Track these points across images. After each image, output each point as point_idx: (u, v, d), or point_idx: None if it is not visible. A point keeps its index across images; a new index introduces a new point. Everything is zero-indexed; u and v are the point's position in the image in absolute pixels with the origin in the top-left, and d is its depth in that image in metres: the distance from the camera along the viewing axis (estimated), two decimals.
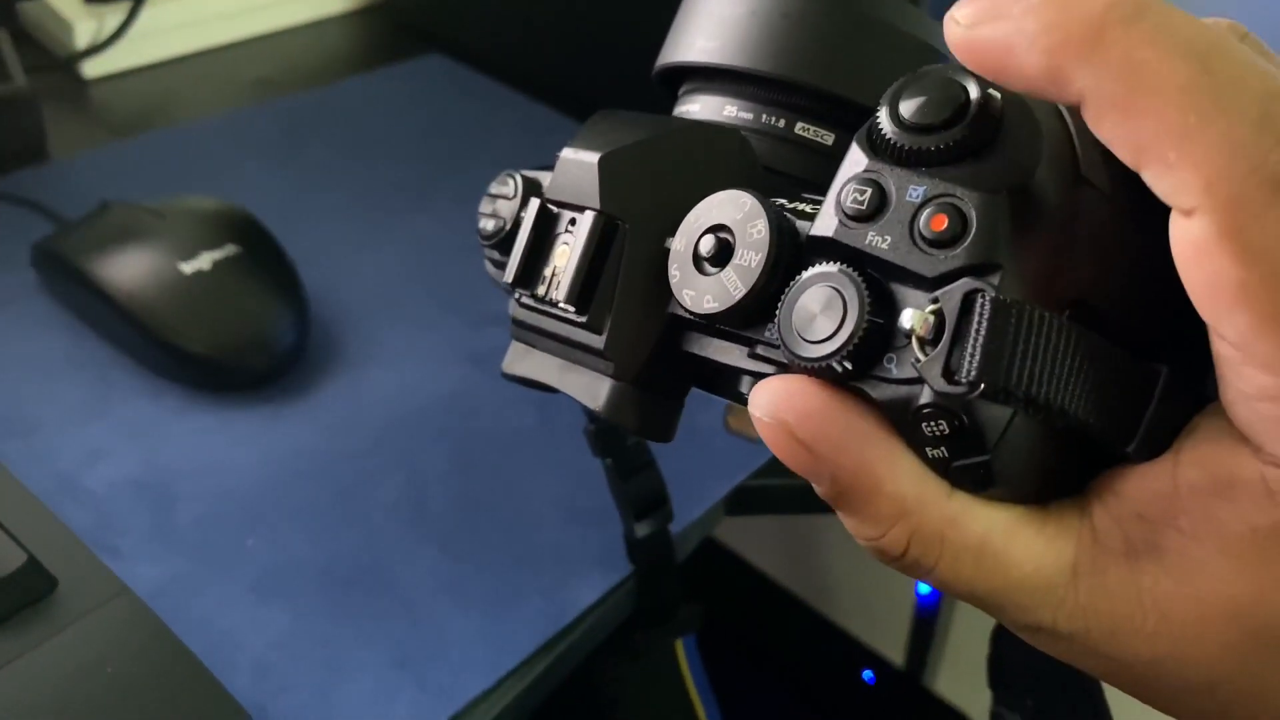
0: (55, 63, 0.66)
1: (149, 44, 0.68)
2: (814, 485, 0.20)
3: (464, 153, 0.64)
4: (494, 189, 0.28)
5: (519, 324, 0.26)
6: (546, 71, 0.70)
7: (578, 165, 0.24)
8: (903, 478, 0.19)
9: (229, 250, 0.45)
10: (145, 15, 0.66)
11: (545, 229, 0.25)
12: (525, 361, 0.26)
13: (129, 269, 0.44)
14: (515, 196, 0.27)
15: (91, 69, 0.66)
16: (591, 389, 0.24)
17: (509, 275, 0.25)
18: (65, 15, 0.65)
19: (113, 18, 0.65)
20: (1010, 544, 0.20)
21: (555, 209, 0.25)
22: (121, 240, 0.46)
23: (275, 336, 0.45)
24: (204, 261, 0.45)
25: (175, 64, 0.70)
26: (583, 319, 0.24)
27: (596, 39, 0.66)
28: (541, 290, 0.24)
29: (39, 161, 0.59)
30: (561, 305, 0.24)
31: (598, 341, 0.24)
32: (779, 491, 0.46)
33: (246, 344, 0.44)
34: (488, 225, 0.28)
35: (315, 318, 0.49)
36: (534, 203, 0.25)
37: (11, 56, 0.59)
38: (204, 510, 0.40)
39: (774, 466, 0.45)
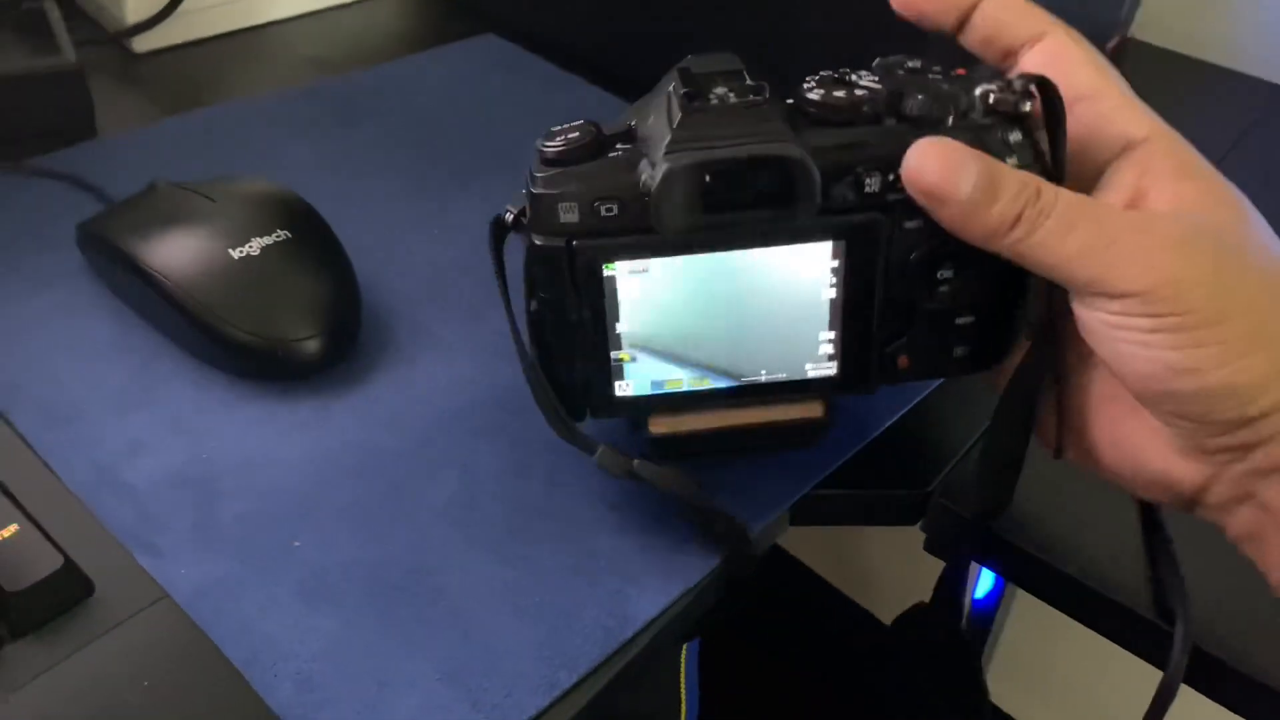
0: (105, 38, 0.65)
1: (200, 19, 0.67)
2: (942, 206, 0.34)
3: (515, 135, 0.61)
4: None
5: None
6: (600, 52, 0.68)
7: None
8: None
9: (279, 236, 0.44)
10: None
11: None
12: None
13: (177, 253, 0.43)
14: None
15: (142, 44, 0.65)
16: None
17: None
18: None
19: None
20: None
21: None
22: (169, 223, 0.44)
23: (326, 325, 0.43)
24: (254, 247, 0.43)
25: (227, 40, 0.68)
26: None
27: (651, 19, 0.64)
28: None
29: (87, 138, 0.58)
30: None
31: None
32: (843, 502, 0.43)
33: (296, 333, 0.42)
34: None
35: (367, 306, 0.47)
36: None
37: (61, 31, 0.58)
38: (249, 507, 0.39)
39: (838, 477, 0.43)
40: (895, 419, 0.45)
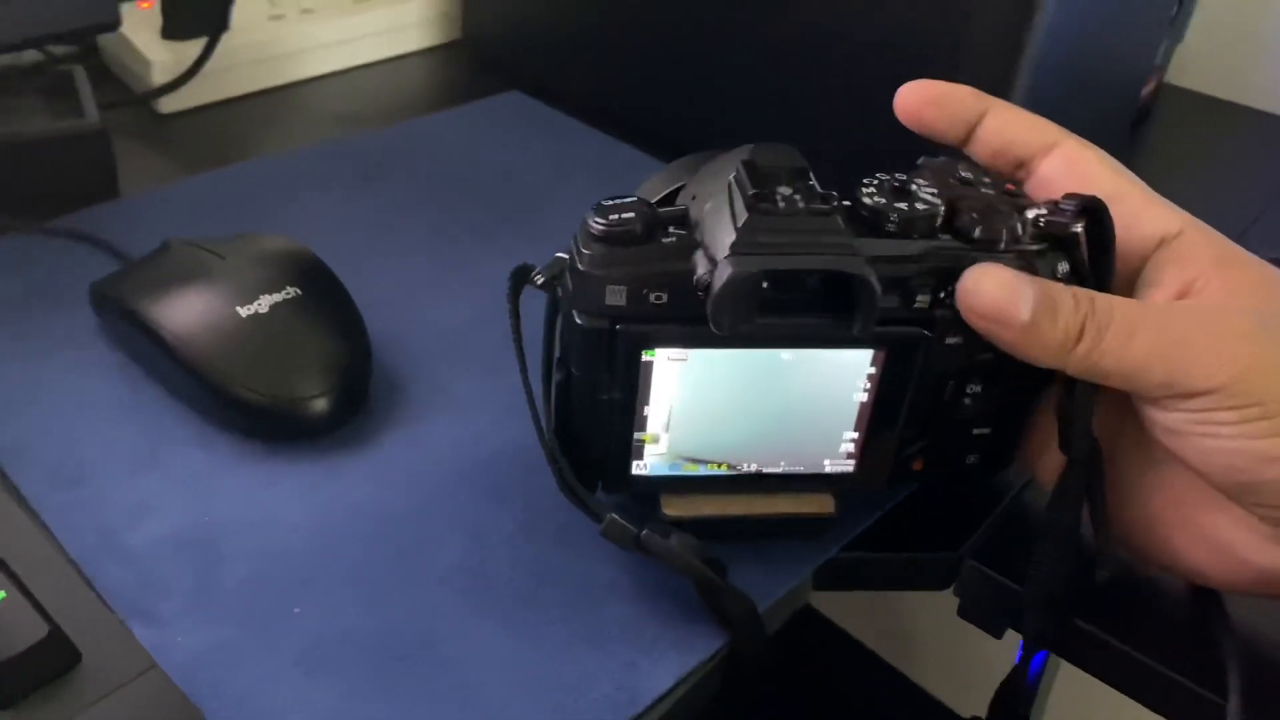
0: (132, 99, 0.65)
1: (226, 80, 0.67)
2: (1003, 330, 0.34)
3: (540, 192, 0.61)
4: None
5: None
6: (629, 109, 0.67)
7: None
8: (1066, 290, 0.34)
9: (289, 293, 0.43)
10: (223, 51, 0.65)
11: None
12: None
13: (183, 312, 0.42)
14: None
15: (168, 105, 0.65)
16: None
17: None
18: (143, 51, 0.64)
19: (190, 53, 0.64)
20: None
21: None
22: (177, 281, 0.43)
23: (334, 384, 0.42)
24: (262, 305, 0.42)
25: (253, 99, 0.69)
26: None
27: (676, 76, 0.63)
28: None
29: (110, 198, 0.58)
30: None
31: None
32: (869, 566, 0.41)
33: (304, 392, 0.41)
34: None
35: (380, 364, 0.46)
36: None
37: (86, 93, 0.58)
38: (251, 572, 0.38)
39: (864, 540, 0.41)
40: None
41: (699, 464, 0.38)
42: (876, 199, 0.35)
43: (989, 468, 0.41)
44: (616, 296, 0.35)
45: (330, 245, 0.51)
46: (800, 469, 0.39)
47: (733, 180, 0.34)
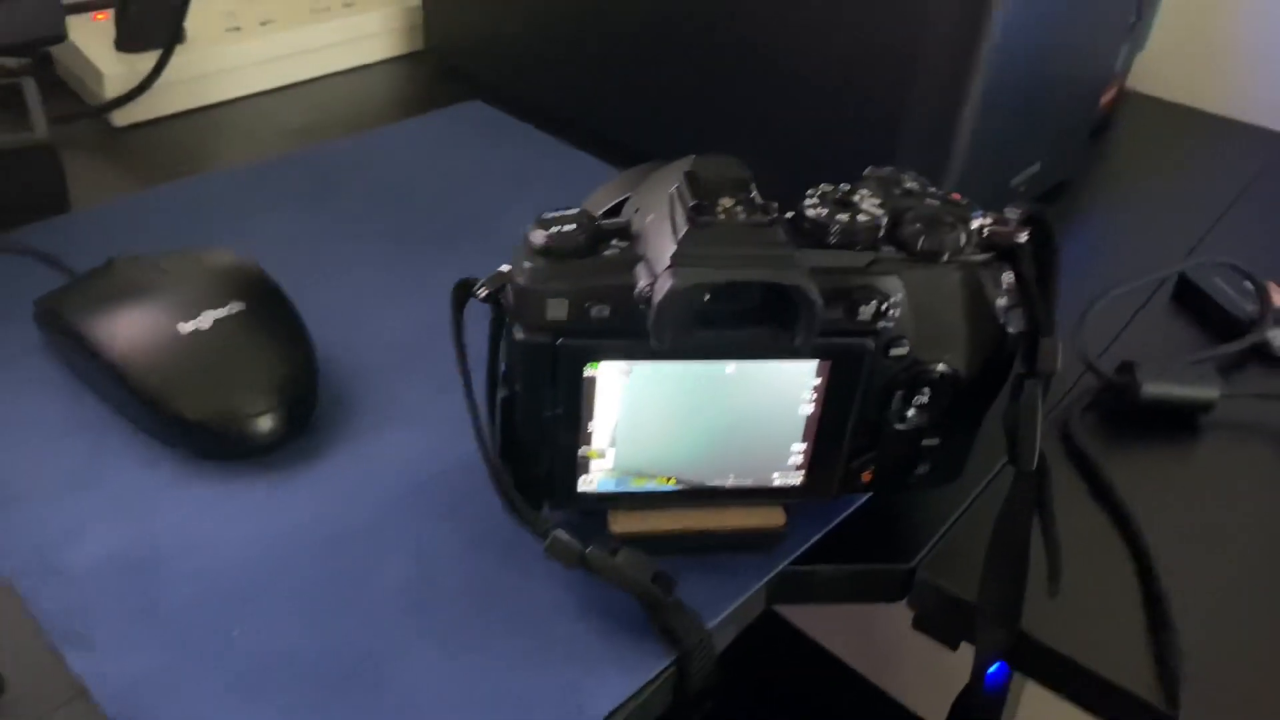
0: (86, 111, 0.64)
1: (183, 92, 0.66)
2: None
3: (498, 202, 0.61)
4: None
5: None
6: (589, 118, 0.67)
7: None
8: None
9: (232, 308, 0.42)
10: (179, 63, 0.64)
11: None
12: None
13: (124, 329, 0.42)
14: None
15: (122, 118, 0.65)
16: None
17: None
18: (96, 63, 0.63)
19: (145, 66, 0.63)
20: None
21: None
22: (119, 298, 0.43)
23: (279, 401, 0.41)
24: (204, 320, 0.42)
25: (210, 112, 0.68)
26: None
27: (639, 86, 0.63)
28: None
29: (60, 212, 0.57)
30: None
31: None
32: (823, 578, 0.41)
33: (247, 409, 0.41)
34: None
35: (329, 378, 0.46)
36: None
37: (36, 106, 0.57)
38: (190, 594, 0.37)
39: (816, 551, 0.41)
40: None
41: (647, 479, 0.38)
42: (819, 210, 0.35)
43: (940, 478, 0.40)
44: (558, 310, 0.34)
45: (282, 259, 0.50)
46: (749, 482, 0.38)
47: (674, 192, 0.34)
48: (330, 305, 0.50)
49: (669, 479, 0.38)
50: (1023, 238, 0.36)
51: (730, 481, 0.38)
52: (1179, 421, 0.49)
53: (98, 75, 0.63)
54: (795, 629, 0.86)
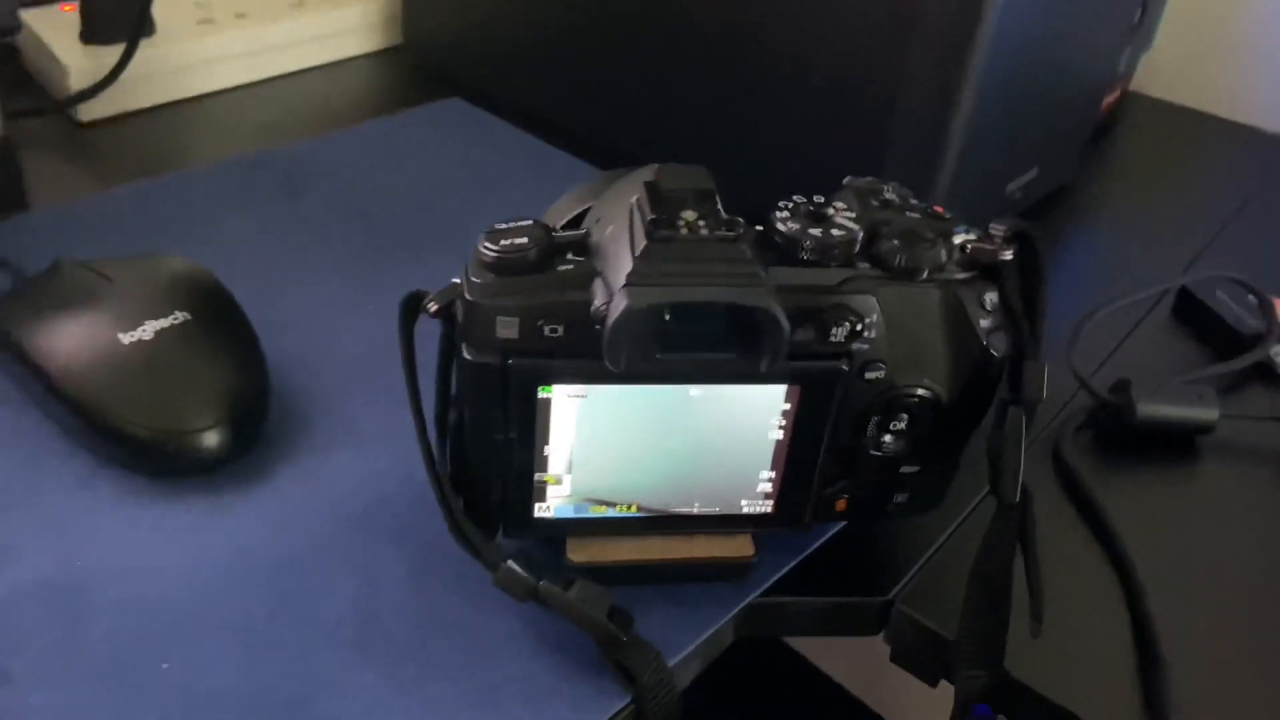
0: (49, 107, 0.62)
1: (151, 86, 0.64)
2: None
3: (473, 205, 0.58)
4: None
5: None
6: (570, 116, 0.65)
7: None
8: None
9: (176, 318, 0.40)
10: (148, 56, 0.62)
11: None
12: None
13: (63, 339, 0.39)
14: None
15: (87, 113, 0.62)
16: None
17: None
18: (60, 56, 0.61)
19: (111, 59, 0.61)
20: None
21: None
22: (60, 306, 0.41)
23: (224, 417, 0.39)
24: (146, 331, 0.39)
25: (180, 107, 0.66)
26: None
27: (620, 84, 0.61)
28: None
29: (19, 211, 0.55)
30: None
31: None
32: (795, 611, 0.39)
33: (190, 425, 0.39)
34: None
35: (282, 393, 0.43)
36: None
37: None
38: (119, 623, 0.35)
39: (787, 582, 0.38)
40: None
41: (607, 506, 0.36)
42: (790, 225, 0.33)
43: (919, 507, 0.38)
44: (508, 329, 0.32)
45: (241, 265, 0.48)
46: (716, 510, 0.36)
47: (634, 204, 0.32)
48: (289, 315, 0.48)
49: (631, 506, 0.36)
50: (1008, 255, 0.33)
51: (695, 509, 0.36)
52: (1176, 443, 0.46)
53: (62, 69, 0.61)
54: (785, 644, 0.84)
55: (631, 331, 0.30)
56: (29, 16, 0.65)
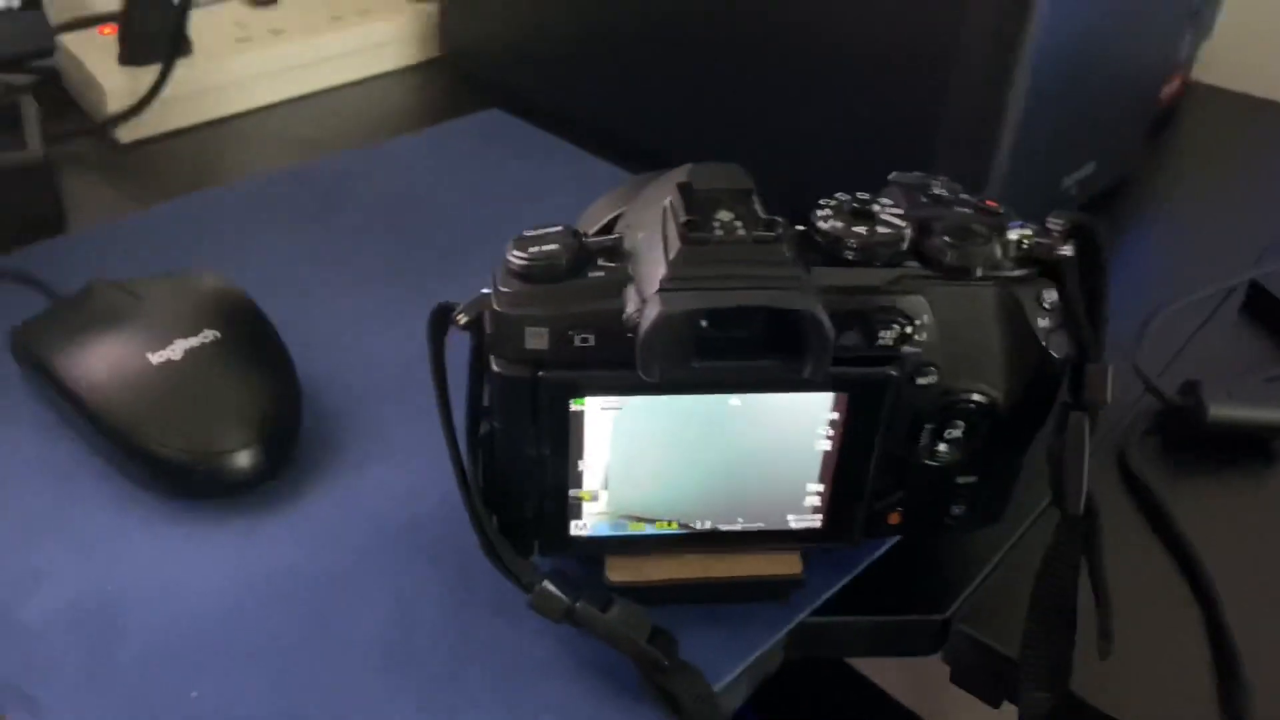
0: (89, 128, 0.62)
1: (191, 106, 0.64)
2: None
3: (511, 215, 0.57)
4: None
5: None
6: (611, 125, 0.63)
7: None
8: None
9: (206, 336, 0.39)
10: (186, 76, 0.62)
11: None
12: None
13: (93, 359, 0.39)
14: None
15: (127, 134, 0.62)
16: None
17: None
18: (98, 78, 0.61)
19: (149, 80, 0.61)
20: None
21: None
22: (91, 327, 0.40)
23: (255, 437, 0.38)
24: (175, 350, 0.39)
25: (219, 126, 0.66)
26: None
27: (662, 90, 0.60)
28: None
29: (57, 233, 0.55)
30: None
31: None
32: (847, 630, 0.37)
33: (221, 445, 0.38)
34: None
35: (316, 410, 0.43)
36: None
37: (32, 123, 0.56)
38: (149, 648, 0.34)
39: (838, 601, 0.37)
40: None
41: (646, 523, 0.34)
42: (833, 223, 0.31)
43: (977, 521, 0.36)
44: (538, 340, 0.31)
45: (275, 280, 0.48)
46: (761, 525, 0.35)
47: (667, 205, 0.30)
48: (322, 330, 0.47)
49: (671, 523, 0.34)
50: (1067, 251, 0.31)
51: (739, 525, 0.34)
52: (1250, 447, 0.44)
53: (101, 91, 0.61)
54: (847, 664, 0.82)
55: (666, 339, 0.29)
56: (69, 40, 0.65)
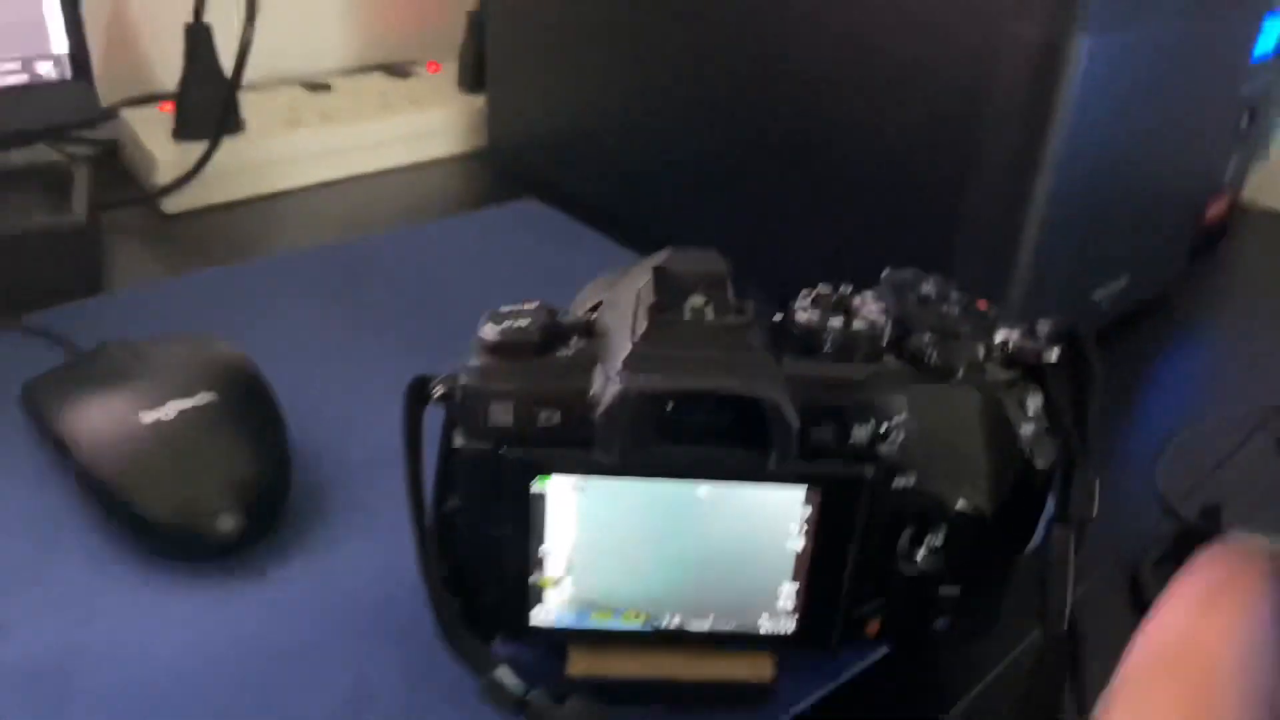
0: (136, 198, 0.65)
1: (236, 181, 0.66)
2: None
3: (534, 299, 0.57)
4: None
5: None
6: (651, 220, 0.64)
7: None
8: None
9: (201, 398, 0.40)
10: (235, 151, 0.64)
11: None
12: None
13: (87, 416, 0.39)
14: None
15: (172, 205, 0.64)
16: None
17: None
18: (151, 150, 0.64)
19: (200, 154, 0.63)
20: None
21: None
22: (93, 384, 0.41)
23: (239, 502, 0.38)
24: (168, 411, 0.39)
25: (263, 202, 0.68)
26: None
27: (704, 188, 0.60)
28: None
29: (91, 294, 0.56)
30: None
31: None
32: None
33: (204, 508, 0.38)
34: None
35: (308, 480, 0.43)
36: None
37: (81, 191, 0.58)
38: (100, 712, 0.33)
39: (821, 710, 0.35)
40: None
41: (611, 614, 0.33)
42: (809, 314, 0.31)
43: (966, 633, 0.34)
44: (503, 415, 0.30)
45: (289, 350, 0.48)
46: (732, 626, 0.33)
47: (640, 288, 0.30)
48: (326, 402, 0.47)
49: (638, 615, 0.33)
50: (1052, 356, 0.30)
51: (709, 624, 0.33)
52: None
53: (153, 162, 0.64)
54: None
55: (626, 419, 0.28)
56: (130, 115, 0.68)
